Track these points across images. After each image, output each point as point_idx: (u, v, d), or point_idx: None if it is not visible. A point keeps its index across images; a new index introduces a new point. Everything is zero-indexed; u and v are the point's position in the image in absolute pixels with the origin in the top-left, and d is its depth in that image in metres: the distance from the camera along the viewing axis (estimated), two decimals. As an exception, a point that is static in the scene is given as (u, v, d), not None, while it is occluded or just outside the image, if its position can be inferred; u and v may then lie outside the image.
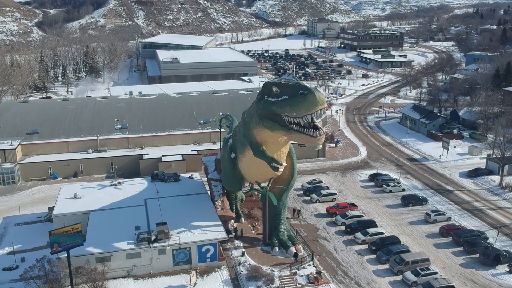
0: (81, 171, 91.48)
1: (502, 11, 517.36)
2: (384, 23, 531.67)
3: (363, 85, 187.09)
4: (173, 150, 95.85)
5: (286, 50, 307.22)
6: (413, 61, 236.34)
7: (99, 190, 72.12)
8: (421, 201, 78.73)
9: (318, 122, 46.76)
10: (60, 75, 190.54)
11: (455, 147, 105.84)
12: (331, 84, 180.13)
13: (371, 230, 66.16)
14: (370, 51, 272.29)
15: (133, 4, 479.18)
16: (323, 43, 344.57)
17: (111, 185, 73.36)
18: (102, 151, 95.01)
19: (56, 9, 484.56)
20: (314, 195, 79.57)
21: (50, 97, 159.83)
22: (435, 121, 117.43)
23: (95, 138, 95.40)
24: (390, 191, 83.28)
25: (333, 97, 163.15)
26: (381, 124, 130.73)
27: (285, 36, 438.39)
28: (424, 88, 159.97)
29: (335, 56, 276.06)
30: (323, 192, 79.61)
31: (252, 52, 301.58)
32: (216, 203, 65.56)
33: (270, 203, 59.82)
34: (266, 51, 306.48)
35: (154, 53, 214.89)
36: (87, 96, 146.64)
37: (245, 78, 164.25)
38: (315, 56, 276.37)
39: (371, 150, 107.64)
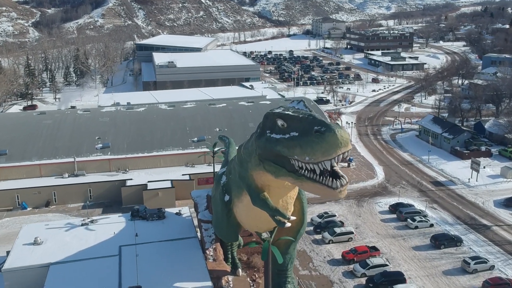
0: (54, 200, 78.73)
1: (510, 9, 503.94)
2: (390, 22, 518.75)
3: (373, 90, 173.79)
4: (161, 173, 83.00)
5: (290, 52, 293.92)
6: (425, 63, 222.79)
7: (66, 232, 58.96)
8: (455, 241, 65.70)
9: (338, 165, 33.57)
10: (48, 80, 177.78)
11: (484, 167, 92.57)
12: (339, 90, 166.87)
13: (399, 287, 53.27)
14: (379, 52, 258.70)
15: (133, 3, 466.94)
16: (329, 43, 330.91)
17: (82, 225, 60.48)
18: (80, 175, 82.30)
19: (55, 9, 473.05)
20: (326, 234, 66.61)
21: (35, 106, 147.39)
22: (460, 136, 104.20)
23: (72, 160, 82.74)
24: (416, 227, 70.28)
25: (342, 105, 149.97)
26: (397, 138, 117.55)
27: (289, 36, 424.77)
28: (441, 95, 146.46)
29: (342, 58, 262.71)
30: (338, 230, 66.63)
31: (255, 53, 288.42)
32: (207, 252, 52.48)
33: (274, 259, 46.74)
34: (270, 52, 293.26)
35: (151, 56, 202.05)
36: (71, 106, 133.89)
37: (247, 84, 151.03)
38: (321, 58, 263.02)
39: (389, 171, 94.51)
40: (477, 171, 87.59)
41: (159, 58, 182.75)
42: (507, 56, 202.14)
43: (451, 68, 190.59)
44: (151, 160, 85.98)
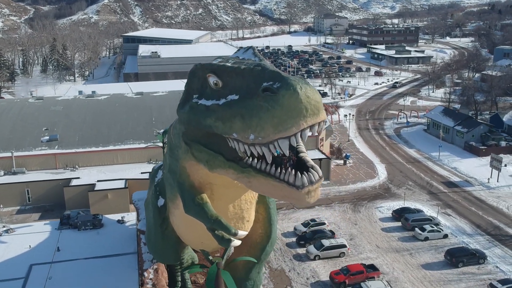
0: (-15, 202, 64.74)
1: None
2: (395, 21, 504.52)
3: (376, 83, 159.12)
4: (117, 171, 68.75)
5: (289, 46, 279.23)
6: (432, 57, 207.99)
7: (-32, 246, 45.15)
8: (477, 258, 51.15)
9: (305, 149, 19.02)
10: (20, 73, 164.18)
11: (506, 165, 77.75)
12: (338, 83, 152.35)
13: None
14: (382, 46, 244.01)
15: (129, 0, 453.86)
16: (330, 39, 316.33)
17: (-4, 235, 46.70)
18: (19, 172, 68.18)
19: (50, 6, 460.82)
20: (312, 248, 52.10)
21: (2, 98, 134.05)
22: (475, 129, 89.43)
23: (10, 154, 68.64)
24: (426, 239, 55.74)
25: (341, 98, 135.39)
26: (402, 133, 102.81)
27: (289, 33, 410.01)
28: (450, 88, 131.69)
29: (343, 53, 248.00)
30: (326, 243, 52.07)
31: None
32: (145, 274, 37.94)
33: (227, 289, 31.86)
34: (267, 47, 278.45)
35: (137, 48, 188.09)
36: (32, 94, 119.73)
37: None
38: (321, 53, 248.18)
39: (392, 169, 79.82)
40: (499, 169, 72.96)
41: (144, 50, 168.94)
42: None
43: (460, 60, 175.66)
44: (106, 156, 71.67)
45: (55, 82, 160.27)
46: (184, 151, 20.72)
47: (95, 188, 63.01)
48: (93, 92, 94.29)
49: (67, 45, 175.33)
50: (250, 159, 14.70)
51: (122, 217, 50.68)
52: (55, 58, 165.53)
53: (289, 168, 13.75)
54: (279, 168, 13.65)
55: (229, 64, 17.23)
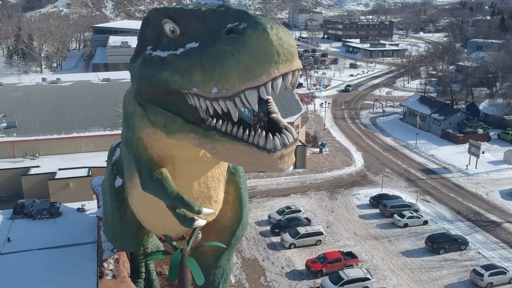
0: None
1: (487, 7, 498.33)
2: (369, 17, 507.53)
3: (351, 75, 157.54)
4: (80, 159, 64.58)
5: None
6: (406, 50, 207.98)
7: None
8: (459, 243, 49.08)
9: (279, 113, 15.88)
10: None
11: (483, 152, 76.24)
12: (314, 75, 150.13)
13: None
14: (357, 40, 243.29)
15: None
16: (305, 34, 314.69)
17: None
18: (-27, 162, 63.54)
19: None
20: (287, 236, 49.22)
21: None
22: (452, 117, 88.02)
23: (-37, 142, 63.90)
24: (406, 225, 53.51)
25: (317, 89, 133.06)
26: (378, 122, 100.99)
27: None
28: (425, 79, 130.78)
29: (318, 46, 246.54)
30: (302, 230, 49.24)
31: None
32: (105, 264, 34.32)
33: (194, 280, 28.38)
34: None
35: (107, 40, 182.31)
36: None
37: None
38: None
39: (369, 157, 77.66)
40: (477, 156, 71.43)
41: (115, 40, 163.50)
42: (493, 41, 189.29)
43: (435, 52, 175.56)
44: (69, 143, 67.43)
45: (20, 73, 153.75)
46: (139, 117, 17.44)
47: (56, 177, 58.80)
48: (58, 79, 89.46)
49: (33, 35, 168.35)
50: (214, 120, 12.25)
51: (82, 205, 46.95)
52: (20, 48, 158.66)
53: (259, 129, 11.56)
54: (247, 130, 11.44)
55: (188, 8, 14.08)
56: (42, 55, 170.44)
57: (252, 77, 10.18)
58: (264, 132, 11.00)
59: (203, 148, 12.79)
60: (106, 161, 31.28)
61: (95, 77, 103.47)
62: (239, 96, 10.54)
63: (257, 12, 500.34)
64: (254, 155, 11.27)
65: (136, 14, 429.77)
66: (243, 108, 11.36)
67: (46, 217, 44.63)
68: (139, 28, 15.46)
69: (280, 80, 10.35)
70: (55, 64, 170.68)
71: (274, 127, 11.87)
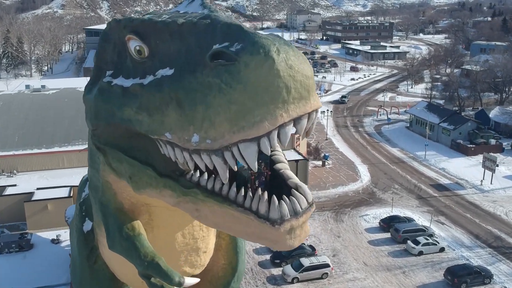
0: None
1: (485, 8, 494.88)
2: (368, 18, 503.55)
3: (352, 79, 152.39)
4: (62, 177, 58.98)
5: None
6: (408, 52, 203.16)
7: None
8: (483, 277, 43.73)
9: (287, 163, 10.89)
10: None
11: (498, 165, 71.03)
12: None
13: None
14: (357, 42, 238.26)
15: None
16: (304, 35, 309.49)
17: None
18: None
19: (12, 0, 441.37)
20: (289, 269, 43.84)
21: None
22: (462, 126, 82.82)
23: None
24: (421, 253, 48.17)
25: (318, 94, 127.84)
26: (383, 130, 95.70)
27: (262, 29, 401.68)
28: (431, 83, 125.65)
29: (317, 48, 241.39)
30: (306, 262, 43.84)
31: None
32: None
33: None
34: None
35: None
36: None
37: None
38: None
39: (376, 171, 72.31)
40: (493, 170, 66.15)
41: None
42: (497, 43, 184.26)
43: (438, 55, 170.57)
44: (50, 159, 61.91)
45: (9, 77, 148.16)
46: (101, 162, 12.57)
47: (33, 198, 53.13)
48: (43, 86, 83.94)
49: (22, 37, 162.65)
50: (198, 173, 9.08)
51: (57, 236, 41.94)
52: (9, 51, 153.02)
53: (259, 189, 8.57)
54: (242, 189, 8.53)
55: (160, 19, 9.15)
56: (33, 58, 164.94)
57: (250, 124, 7.38)
58: (266, 194, 8.20)
59: (182, 209, 9.59)
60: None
61: (84, 83, 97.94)
62: (231, 150, 7.66)
63: (255, 14, 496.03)
64: (253, 225, 8.16)
65: (132, 15, 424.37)
66: (235, 165, 7.99)
67: (15, 251, 39.41)
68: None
69: (290, 127, 7.63)
70: (46, 68, 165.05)
71: (280, 185, 8.94)
